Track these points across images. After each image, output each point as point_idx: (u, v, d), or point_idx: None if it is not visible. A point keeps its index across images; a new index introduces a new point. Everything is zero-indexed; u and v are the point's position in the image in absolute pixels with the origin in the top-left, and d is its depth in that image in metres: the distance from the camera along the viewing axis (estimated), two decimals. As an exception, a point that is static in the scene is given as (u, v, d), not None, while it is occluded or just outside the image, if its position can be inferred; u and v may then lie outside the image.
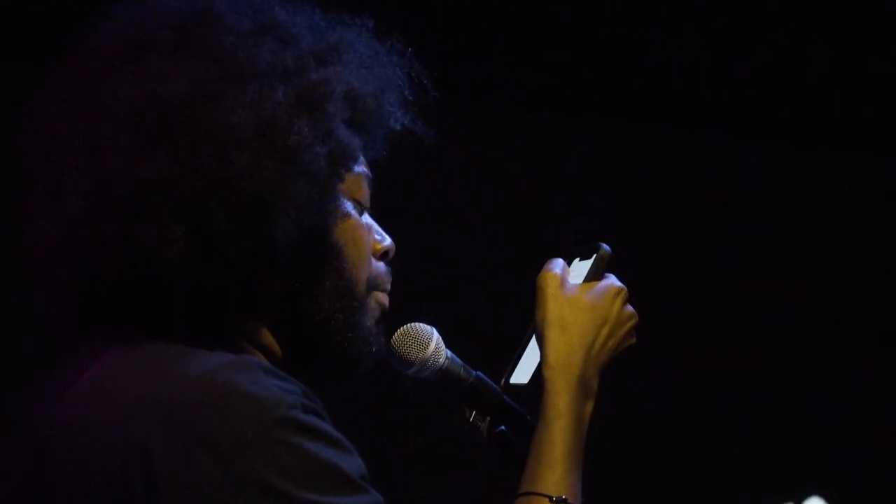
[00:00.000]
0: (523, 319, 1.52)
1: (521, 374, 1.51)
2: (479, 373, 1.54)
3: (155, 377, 1.27)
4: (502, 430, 1.53)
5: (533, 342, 1.50)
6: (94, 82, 1.34)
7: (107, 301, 1.33)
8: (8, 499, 1.35)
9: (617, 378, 1.49)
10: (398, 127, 1.47)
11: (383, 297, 1.46)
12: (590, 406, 1.46)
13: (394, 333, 1.52)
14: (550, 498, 1.38)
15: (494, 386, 1.54)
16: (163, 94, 1.30)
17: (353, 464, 1.25)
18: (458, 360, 1.53)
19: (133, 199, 1.28)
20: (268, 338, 1.38)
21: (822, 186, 4.19)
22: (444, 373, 1.52)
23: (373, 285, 1.44)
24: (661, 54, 3.63)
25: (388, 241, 1.47)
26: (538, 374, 1.46)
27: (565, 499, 1.39)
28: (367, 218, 1.45)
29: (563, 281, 1.49)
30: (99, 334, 1.36)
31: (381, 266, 1.46)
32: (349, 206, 1.42)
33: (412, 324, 1.52)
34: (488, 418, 1.53)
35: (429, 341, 1.51)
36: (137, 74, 1.32)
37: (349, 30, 1.44)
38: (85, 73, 1.35)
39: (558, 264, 1.51)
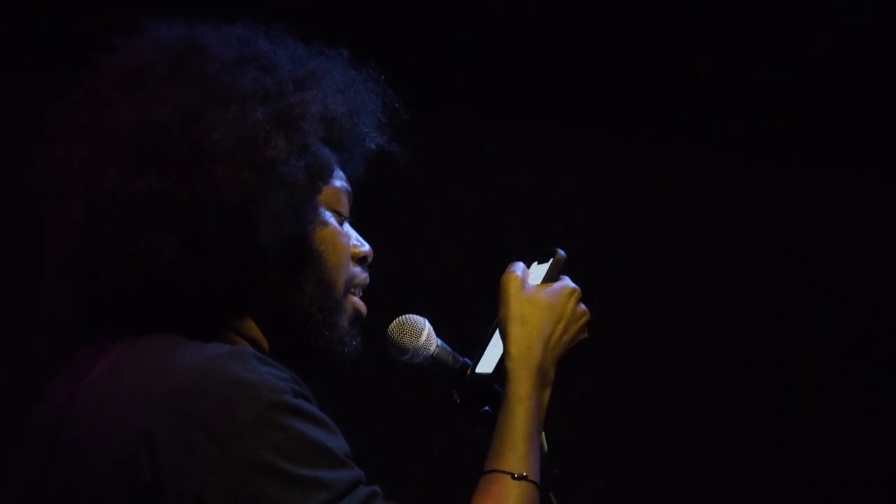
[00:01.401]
0: (489, 315, 1.66)
1: (486, 364, 1.65)
2: (466, 359, 1.68)
3: (157, 369, 1.39)
4: (486, 410, 1.66)
5: (496, 335, 1.64)
6: (97, 110, 1.49)
7: (110, 302, 1.47)
8: (22, 489, 1.48)
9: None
10: (373, 146, 1.61)
11: (360, 305, 1.59)
12: (547, 393, 1.59)
13: (390, 324, 1.66)
14: (512, 475, 1.50)
15: (480, 372, 1.67)
16: (154, 118, 1.44)
17: (338, 443, 1.39)
18: (447, 347, 1.67)
19: (130, 210, 1.43)
20: (255, 331, 1.51)
21: (801, 198, 4.24)
22: (434, 359, 1.66)
23: (349, 285, 1.57)
24: (630, 63, 3.67)
25: (366, 247, 1.61)
26: (501, 364, 1.60)
27: (525, 476, 1.50)
28: (346, 227, 1.59)
29: (523, 282, 1.63)
30: (103, 333, 1.49)
31: (358, 269, 1.59)
32: (329, 216, 1.55)
33: (407, 315, 1.67)
34: (473, 400, 1.66)
35: (421, 331, 1.66)
36: (134, 102, 1.47)
37: (327, 59, 1.58)
38: (90, 102, 1.50)
39: (519, 267, 1.65)
